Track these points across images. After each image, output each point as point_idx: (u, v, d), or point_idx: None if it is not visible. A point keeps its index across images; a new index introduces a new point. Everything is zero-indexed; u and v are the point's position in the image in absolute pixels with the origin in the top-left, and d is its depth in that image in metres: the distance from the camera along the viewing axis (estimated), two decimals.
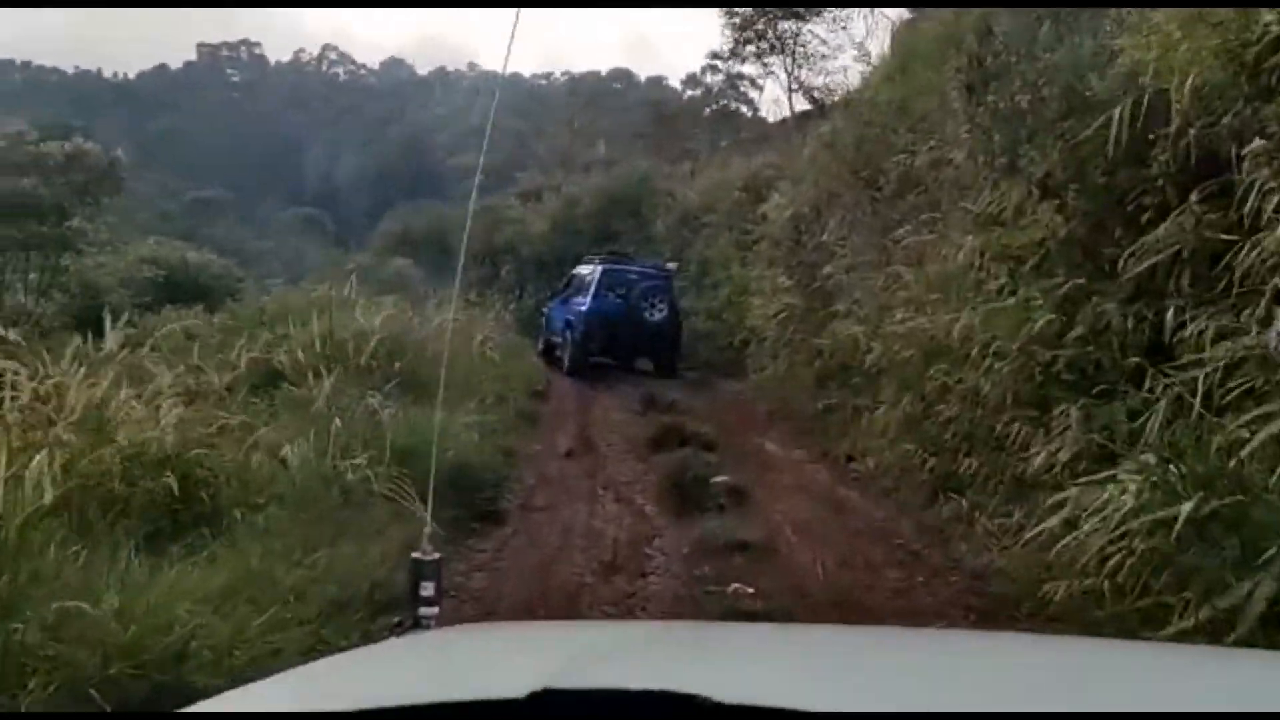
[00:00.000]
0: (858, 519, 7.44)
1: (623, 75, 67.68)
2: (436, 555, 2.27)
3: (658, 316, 16.35)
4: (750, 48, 23.75)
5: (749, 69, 25.83)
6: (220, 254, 29.40)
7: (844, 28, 22.70)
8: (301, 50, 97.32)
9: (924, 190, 10.13)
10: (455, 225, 29.45)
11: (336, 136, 67.40)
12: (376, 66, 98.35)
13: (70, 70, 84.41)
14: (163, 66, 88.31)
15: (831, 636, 2.07)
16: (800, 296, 12.75)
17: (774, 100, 27.45)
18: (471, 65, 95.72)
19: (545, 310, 19.61)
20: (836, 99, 16.81)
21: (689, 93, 32.87)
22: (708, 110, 29.97)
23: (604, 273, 16.98)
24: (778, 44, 23.50)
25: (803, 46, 23.23)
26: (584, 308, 16.52)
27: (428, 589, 2.18)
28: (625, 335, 16.01)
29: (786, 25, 23.52)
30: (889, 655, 1.57)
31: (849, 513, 7.63)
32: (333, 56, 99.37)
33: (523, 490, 8.11)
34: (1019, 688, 1.26)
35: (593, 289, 16.73)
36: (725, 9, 23.70)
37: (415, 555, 2.26)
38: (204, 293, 19.97)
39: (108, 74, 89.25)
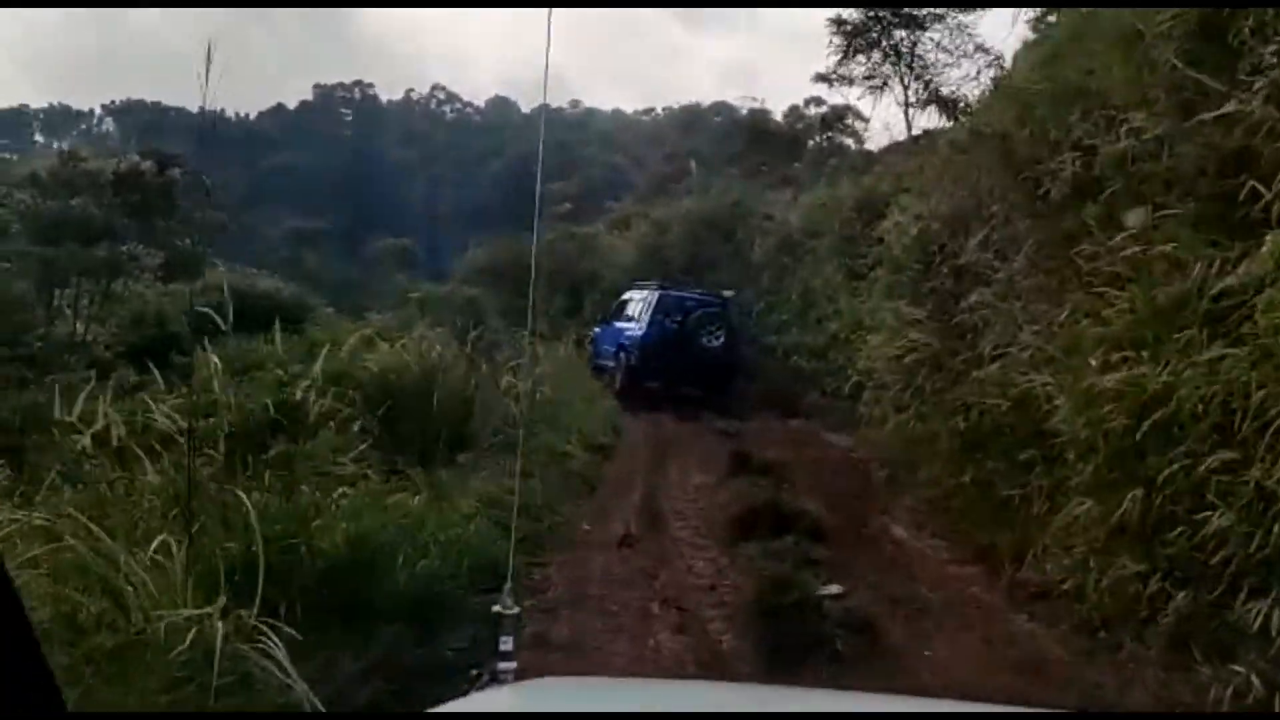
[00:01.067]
0: (1065, 689, 4.56)
1: (723, 108, 65.46)
2: (516, 610, 2.51)
3: (715, 344, 16.22)
4: (860, 58, 20.84)
5: (855, 92, 23.05)
6: (307, 281, 27.95)
7: (969, 32, 19.82)
8: (411, 90, 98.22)
9: (1114, 190, 7.22)
10: (539, 256, 27.33)
11: (439, 171, 66.84)
12: (483, 104, 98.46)
13: (194, 109, 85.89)
14: (280, 106, 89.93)
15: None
16: (934, 333, 9.86)
17: (885, 126, 24.35)
18: (574, 102, 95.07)
19: (593, 332, 19.03)
20: (973, 100, 13.88)
21: (795, 125, 30.00)
22: (811, 142, 27.16)
23: (660, 298, 16.73)
24: (892, 53, 20.59)
25: (920, 58, 20.30)
26: (640, 332, 16.36)
27: (506, 644, 2.42)
28: (681, 362, 15.80)
29: (901, 34, 20.67)
30: None
31: (1046, 675, 4.75)
32: (441, 96, 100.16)
33: (541, 612, 5.43)
34: None
35: (649, 314, 16.52)
36: (835, 22, 20.98)
37: (496, 609, 2.51)
38: (269, 321, 18.34)
39: (230, 114, 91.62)
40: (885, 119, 23.88)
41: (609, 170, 46.22)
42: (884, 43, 20.70)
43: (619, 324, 17.51)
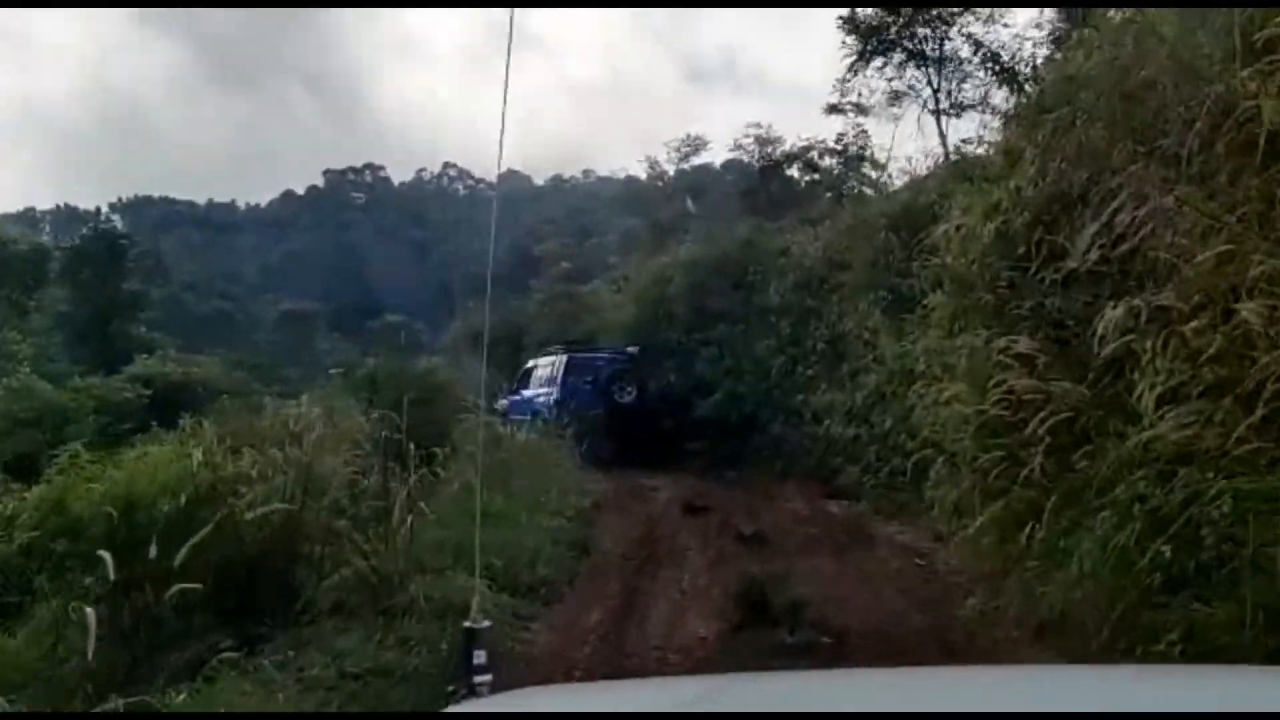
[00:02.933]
0: None
1: (736, 165, 62.54)
2: (487, 624, 2.49)
3: (628, 399, 16.75)
4: (878, 61, 17.39)
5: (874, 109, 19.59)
6: (271, 364, 24.84)
7: (1004, 23, 16.39)
8: (423, 170, 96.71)
9: None
10: (528, 319, 23.91)
11: (448, 247, 64.36)
12: (494, 179, 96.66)
13: (203, 202, 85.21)
14: (289, 193, 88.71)
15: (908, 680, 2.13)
16: (1047, 375, 6.16)
17: (908, 160, 20.64)
18: (586, 172, 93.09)
19: (501, 404, 17.53)
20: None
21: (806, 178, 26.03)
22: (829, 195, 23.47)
23: (569, 360, 17.18)
24: (918, 53, 17.14)
25: (951, 59, 16.86)
26: (555, 396, 16.29)
27: (480, 657, 2.33)
28: (599, 419, 15.65)
29: (924, 31, 17.28)
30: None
31: None
32: (452, 173, 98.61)
33: None
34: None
35: (560, 378, 16.76)
36: (846, 21, 17.62)
37: (466, 625, 2.47)
38: (192, 406, 15.20)
39: (240, 204, 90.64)
40: (911, 134, 20.03)
41: (618, 234, 43.21)
42: (906, 42, 17.28)
43: (528, 392, 17.45)
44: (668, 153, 24.53)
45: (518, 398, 17.36)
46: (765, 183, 21.69)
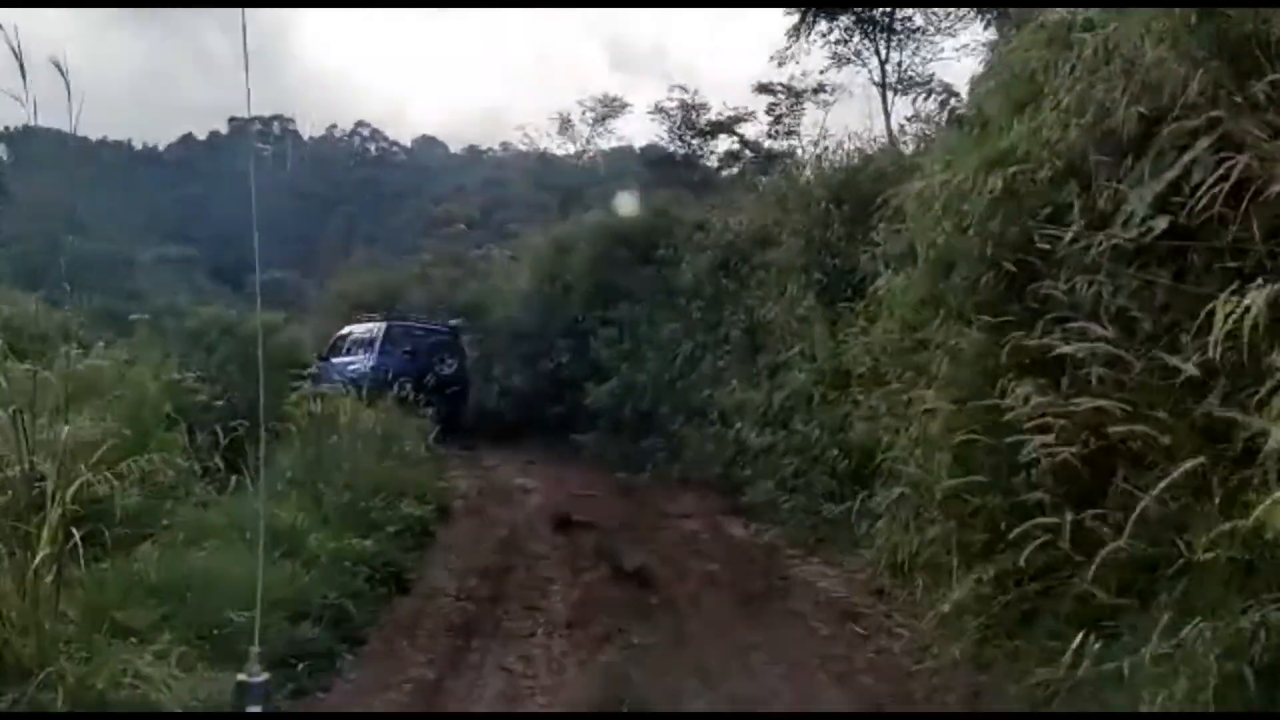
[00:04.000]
0: None
1: (657, 150, 60.20)
2: (264, 677, 2.33)
3: (447, 372, 15.69)
4: (823, 26, 15.17)
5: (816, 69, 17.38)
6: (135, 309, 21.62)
7: None
8: (334, 126, 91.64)
9: None
10: (408, 283, 21.11)
11: (347, 207, 60.44)
12: (409, 144, 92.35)
13: (94, 139, 78.83)
14: (189, 137, 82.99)
15: None
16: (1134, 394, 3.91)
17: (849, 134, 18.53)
18: (505, 145, 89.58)
19: (310, 371, 14.37)
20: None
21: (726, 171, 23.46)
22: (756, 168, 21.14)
23: (388, 329, 16.35)
24: (867, 19, 14.98)
25: (906, 20, 14.74)
26: (371, 364, 15.03)
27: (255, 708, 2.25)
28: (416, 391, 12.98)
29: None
30: None
31: None
32: (365, 132, 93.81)
33: None
34: None
35: (378, 345, 15.87)
36: None
37: (240, 678, 2.31)
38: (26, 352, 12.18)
39: (137, 144, 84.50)
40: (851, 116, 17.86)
41: (527, 206, 40.48)
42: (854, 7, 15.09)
43: (340, 359, 15.98)
44: (583, 112, 21.73)
45: (327, 364, 15.41)
46: (687, 154, 19.30)
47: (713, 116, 18.57)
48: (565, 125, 22.07)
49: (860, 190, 9.72)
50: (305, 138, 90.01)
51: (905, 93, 14.93)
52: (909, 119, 12.94)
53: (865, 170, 10.24)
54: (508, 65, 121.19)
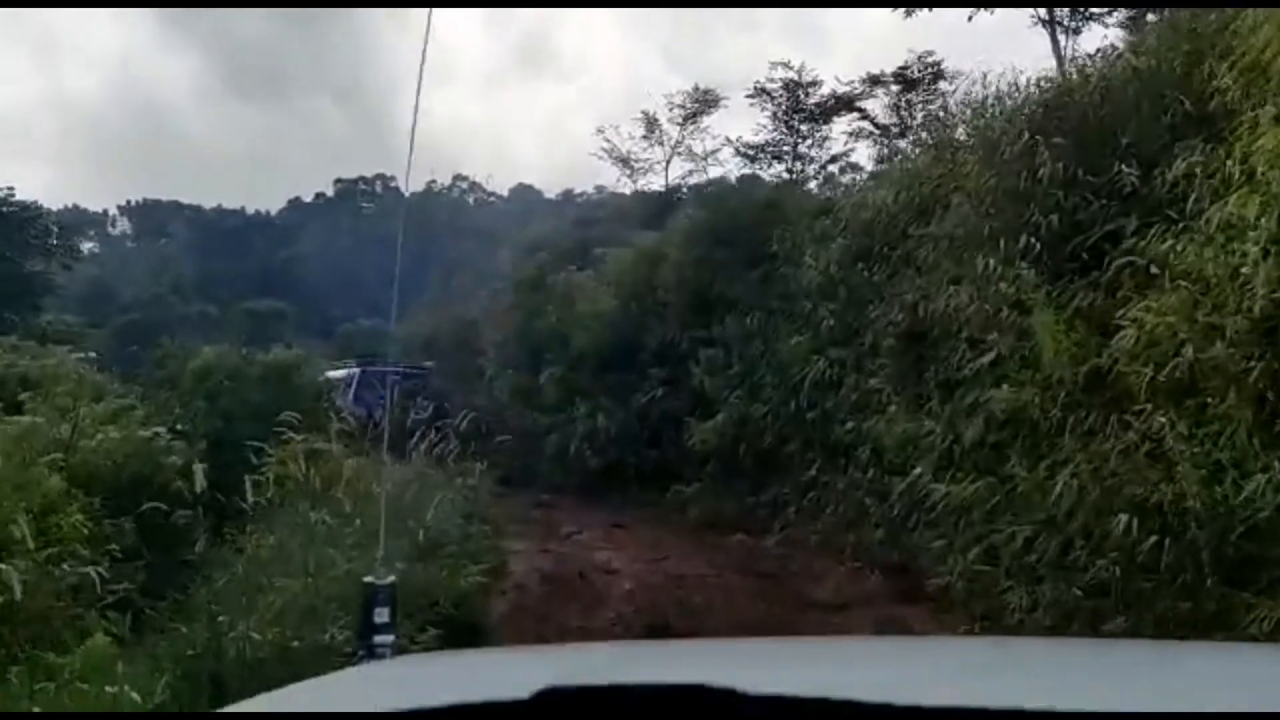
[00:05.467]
0: None
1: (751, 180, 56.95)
2: (391, 579, 2.21)
3: (422, 415, 13.02)
4: None
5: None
6: None
7: None
8: (433, 180, 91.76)
9: None
10: (479, 317, 18.17)
11: (441, 255, 59.05)
12: (505, 193, 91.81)
13: (209, 207, 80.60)
14: (297, 201, 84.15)
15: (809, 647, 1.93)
16: None
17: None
18: (599, 188, 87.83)
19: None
20: None
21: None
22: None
23: (362, 375, 16.17)
24: None
25: None
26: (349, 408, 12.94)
27: (382, 615, 2.11)
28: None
29: None
30: (869, 659, 1.48)
31: None
32: (463, 185, 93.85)
33: None
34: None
35: (352, 391, 15.37)
36: None
37: (367, 580, 2.21)
38: None
39: (250, 210, 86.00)
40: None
41: (620, 238, 37.90)
42: None
43: None
44: (670, 109, 18.08)
45: None
46: (794, 142, 15.76)
47: (826, 94, 15.01)
48: (651, 126, 18.67)
49: (1089, 115, 6.15)
50: (406, 194, 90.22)
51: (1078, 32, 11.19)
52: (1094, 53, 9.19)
53: (1090, 86, 6.65)
54: (602, 113, 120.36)
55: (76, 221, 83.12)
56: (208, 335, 37.61)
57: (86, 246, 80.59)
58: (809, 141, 15.79)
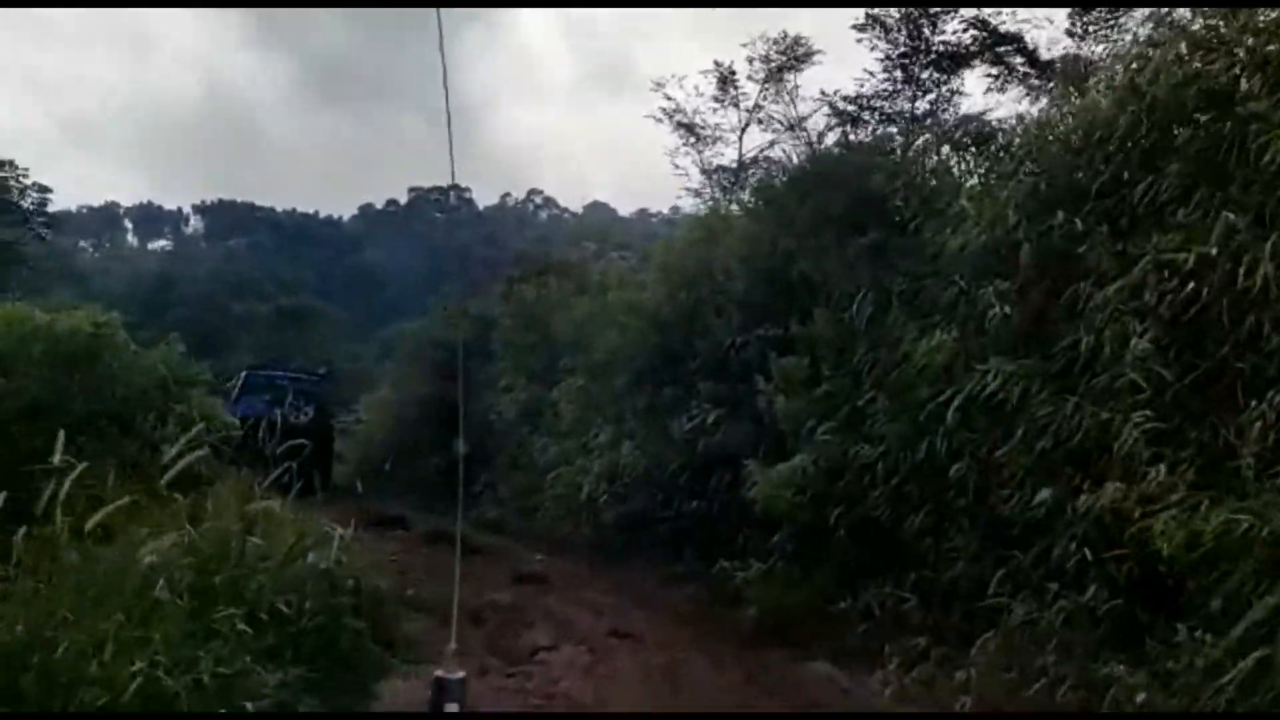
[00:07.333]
0: None
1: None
2: (461, 674, 2.18)
3: (301, 419, 13.60)
4: None
5: None
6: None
7: None
8: (508, 194, 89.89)
9: None
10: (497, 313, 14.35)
11: (505, 264, 56.15)
12: (579, 210, 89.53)
13: (280, 209, 79.69)
14: (368, 207, 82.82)
15: None
16: None
17: None
18: (674, 209, 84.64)
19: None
20: None
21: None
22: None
23: (246, 378, 15.65)
24: None
25: None
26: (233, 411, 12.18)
27: (452, 708, 2.10)
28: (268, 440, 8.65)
29: None
30: None
31: None
32: (538, 200, 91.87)
33: None
34: None
35: (236, 393, 14.55)
36: None
37: (439, 674, 2.17)
38: None
39: (322, 214, 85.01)
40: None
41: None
42: None
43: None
44: (752, 60, 13.68)
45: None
46: (912, 90, 11.57)
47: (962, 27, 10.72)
48: (725, 82, 14.29)
49: None
50: (480, 206, 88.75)
51: None
52: None
53: None
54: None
55: (154, 218, 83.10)
56: (245, 332, 35.16)
57: (159, 244, 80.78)
58: (932, 96, 11.58)
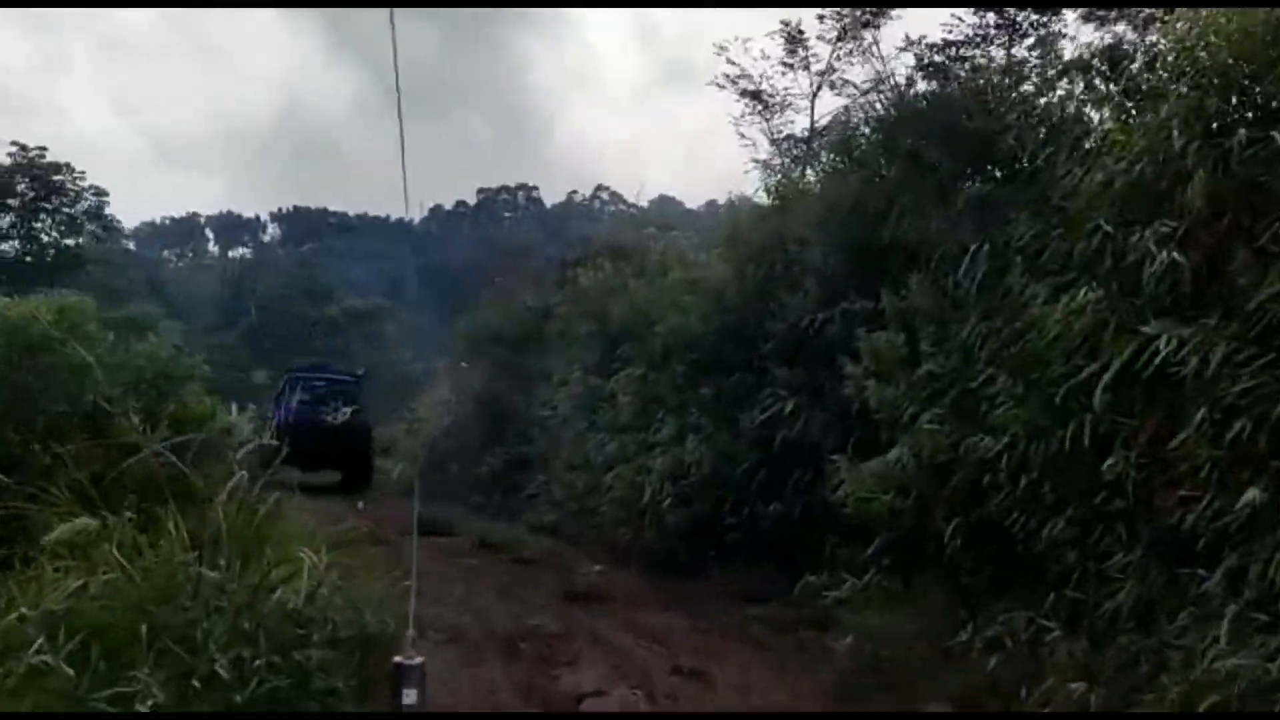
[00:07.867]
0: None
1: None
2: (420, 659, 2.02)
3: (337, 420, 13.90)
4: None
5: None
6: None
7: None
8: (574, 191, 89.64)
9: None
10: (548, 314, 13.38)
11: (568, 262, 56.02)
12: (646, 204, 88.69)
13: (353, 214, 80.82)
14: (438, 208, 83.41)
15: None
16: None
17: None
18: (741, 199, 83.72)
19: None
20: None
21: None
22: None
23: (289, 380, 15.12)
24: None
25: None
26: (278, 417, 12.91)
27: (410, 697, 1.98)
28: (309, 442, 9.87)
29: None
30: None
31: None
32: (604, 196, 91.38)
33: None
34: None
35: (285, 397, 14.41)
36: None
37: (397, 660, 2.03)
38: None
39: (393, 218, 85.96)
40: None
41: None
42: None
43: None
44: (823, 18, 12.27)
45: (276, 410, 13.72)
46: (1007, 36, 10.18)
47: None
48: (794, 42, 12.89)
49: None
50: (548, 205, 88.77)
51: None
52: None
53: None
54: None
55: (234, 226, 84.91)
56: (318, 334, 35.27)
57: (240, 251, 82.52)
58: (1029, 42, 10.19)
